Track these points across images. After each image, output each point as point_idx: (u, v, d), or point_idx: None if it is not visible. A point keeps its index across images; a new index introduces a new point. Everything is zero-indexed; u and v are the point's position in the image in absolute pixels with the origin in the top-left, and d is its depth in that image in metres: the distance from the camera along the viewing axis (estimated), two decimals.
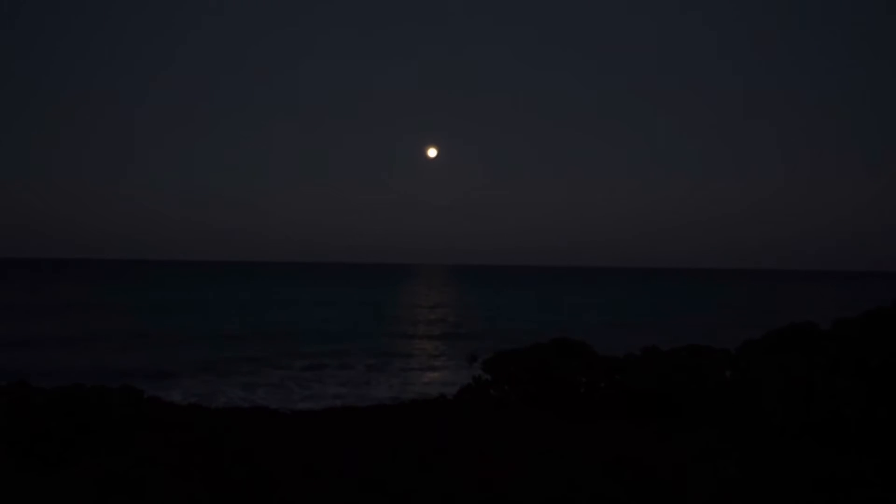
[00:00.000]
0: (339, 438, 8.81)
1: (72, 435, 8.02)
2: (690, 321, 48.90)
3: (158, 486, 6.68)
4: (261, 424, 9.55)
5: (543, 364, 11.58)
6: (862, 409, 8.41)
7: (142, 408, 9.16)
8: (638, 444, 8.57)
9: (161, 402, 10.03)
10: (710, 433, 9.03)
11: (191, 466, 7.24)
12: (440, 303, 71.92)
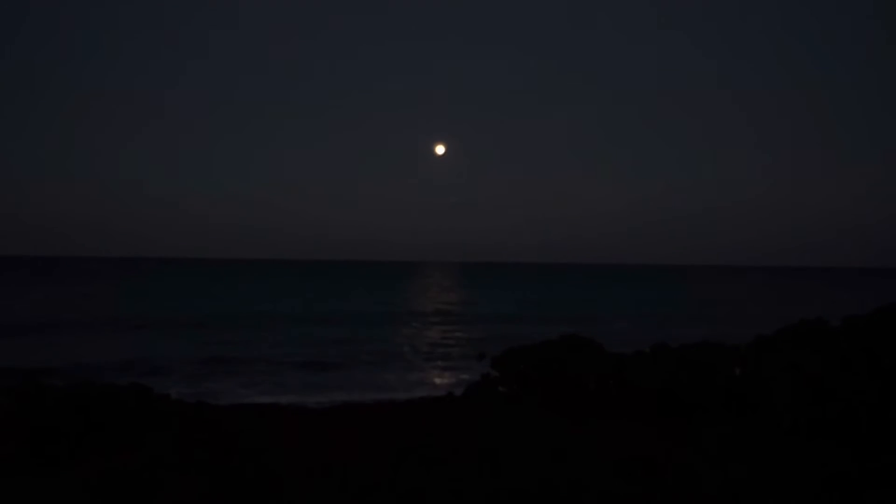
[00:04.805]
0: (346, 436, 8.81)
1: (82, 433, 8.06)
2: (695, 318, 48.66)
3: (167, 484, 6.70)
4: (268, 422, 9.56)
5: (552, 361, 11.55)
6: (874, 408, 8.34)
7: (151, 406, 9.19)
8: (647, 442, 8.53)
9: (170, 399, 10.06)
10: (721, 431, 8.97)
11: (199, 465, 7.25)
12: (448, 300, 71.89)
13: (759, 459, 7.70)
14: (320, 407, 13.25)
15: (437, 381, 22.98)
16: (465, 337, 37.51)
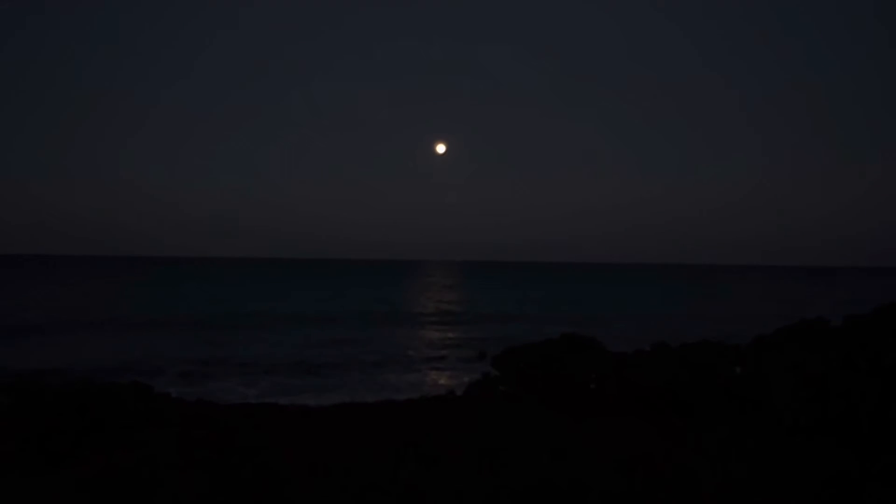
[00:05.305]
0: (347, 435, 8.80)
1: (82, 431, 8.05)
2: (695, 317, 48.67)
3: (166, 483, 6.69)
4: (268, 421, 9.56)
5: (553, 360, 11.54)
6: (874, 407, 8.33)
7: (151, 404, 9.18)
8: (648, 441, 8.53)
9: (170, 398, 10.06)
10: (721, 430, 8.97)
11: (199, 463, 7.25)
12: (449, 299, 71.88)
13: (759, 459, 7.69)
14: (320, 407, 13.24)
15: (438, 380, 22.97)
16: (466, 337, 37.48)
